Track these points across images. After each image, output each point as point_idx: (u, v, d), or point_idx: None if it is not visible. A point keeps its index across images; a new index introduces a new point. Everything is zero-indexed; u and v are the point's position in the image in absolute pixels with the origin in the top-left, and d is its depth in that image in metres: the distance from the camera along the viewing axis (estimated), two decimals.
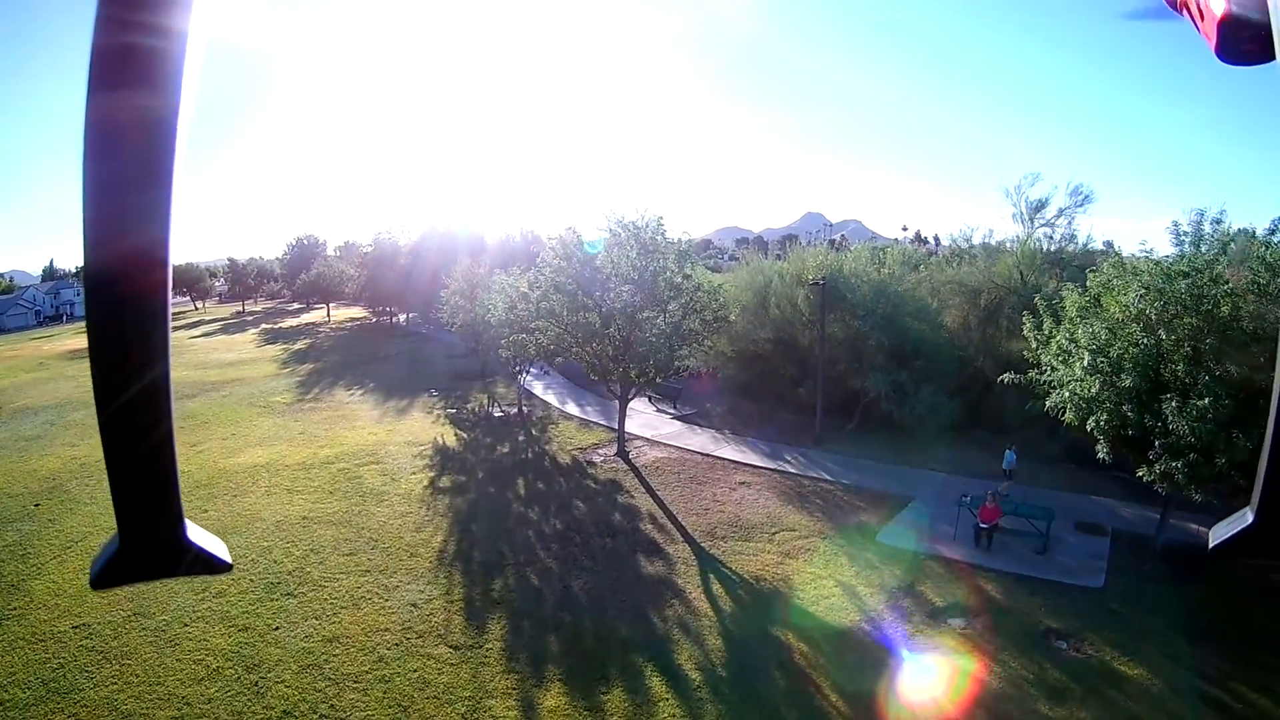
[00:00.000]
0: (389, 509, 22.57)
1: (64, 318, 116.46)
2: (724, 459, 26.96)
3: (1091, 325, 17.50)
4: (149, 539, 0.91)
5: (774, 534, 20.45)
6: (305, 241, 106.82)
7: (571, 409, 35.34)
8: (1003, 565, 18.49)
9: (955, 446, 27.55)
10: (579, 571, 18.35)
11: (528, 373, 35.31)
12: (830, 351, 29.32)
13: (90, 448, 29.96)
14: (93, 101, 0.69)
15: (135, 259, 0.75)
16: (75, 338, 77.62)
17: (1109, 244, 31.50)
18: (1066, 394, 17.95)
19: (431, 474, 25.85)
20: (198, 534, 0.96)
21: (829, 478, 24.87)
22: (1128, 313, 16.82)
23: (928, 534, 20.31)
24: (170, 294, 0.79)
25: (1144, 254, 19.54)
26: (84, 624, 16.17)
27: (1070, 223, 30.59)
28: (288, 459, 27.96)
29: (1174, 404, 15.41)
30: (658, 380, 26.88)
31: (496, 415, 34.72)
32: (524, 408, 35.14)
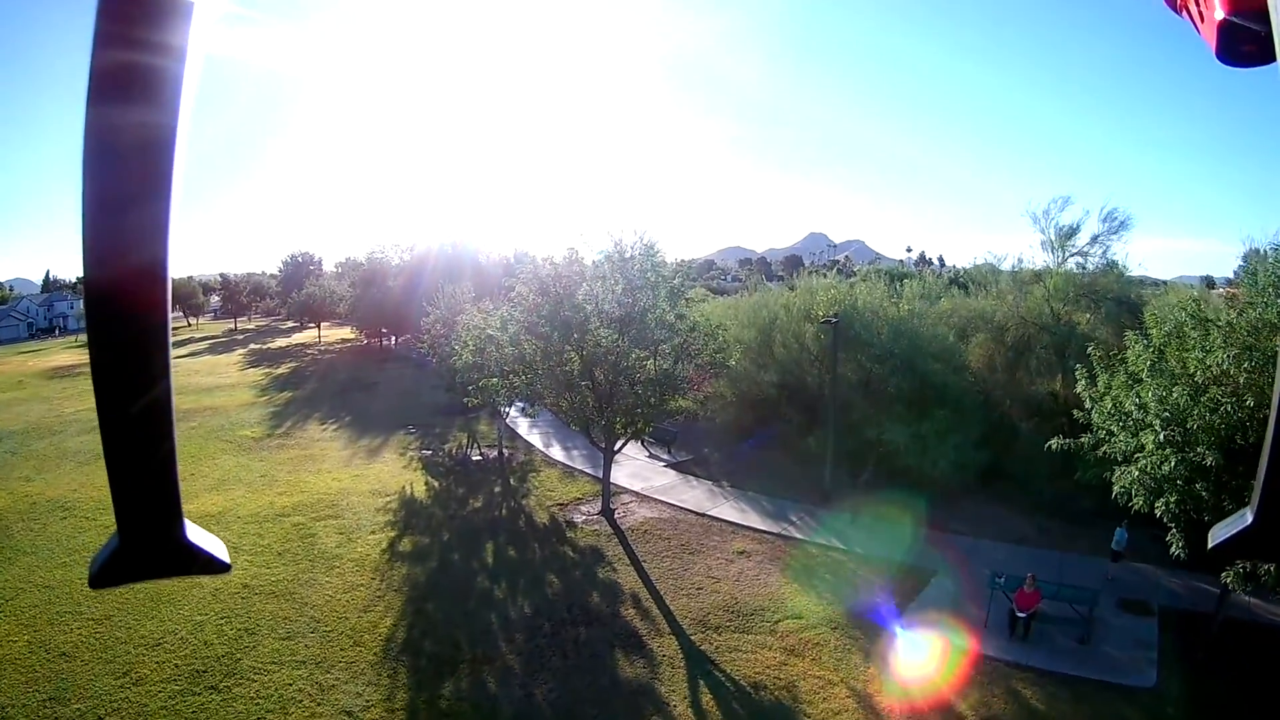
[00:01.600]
0: (339, 579, 19.82)
1: (57, 330, 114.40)
2: (721, 520, 23.99)
3: (1164, 388, 14.54)
4: (148, 538, 0.88)
5: (777, 622, 17.54)
6: (300, 258, 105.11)
7: (556, 453, 32.39)
8: (1043, 662, 15.78)
9: (980, 502, 24.72)
10: (545, 674, 15.44)
11: (508, 411, 32.60)
12: (842, 396, 26.43)
13: (45, 484, 28.04)
14: (91, 117, 0.69)
15: (136, 251, 0.74)
16: (63, 353, 76.28)
17: (1152, 279, 28.54)
18: (1136, 472, 14.85)
19: (393, 534, 23.06)
20: (197, 534, 0.92)
21: (840, 545, 21.94)
22: (1209, 374, 13.87)
23: (955, 620, 17.48)
24: (170, 289, 0.77)
25: (1191, 281, 16.73)
26: None
27: (1105, 251, 27.71)
28: (242, 508, 25.30)
29: None
30: (646, 430, 24.03)
31: (475, 459, 31.87)
32: (505, 450, 32.24)
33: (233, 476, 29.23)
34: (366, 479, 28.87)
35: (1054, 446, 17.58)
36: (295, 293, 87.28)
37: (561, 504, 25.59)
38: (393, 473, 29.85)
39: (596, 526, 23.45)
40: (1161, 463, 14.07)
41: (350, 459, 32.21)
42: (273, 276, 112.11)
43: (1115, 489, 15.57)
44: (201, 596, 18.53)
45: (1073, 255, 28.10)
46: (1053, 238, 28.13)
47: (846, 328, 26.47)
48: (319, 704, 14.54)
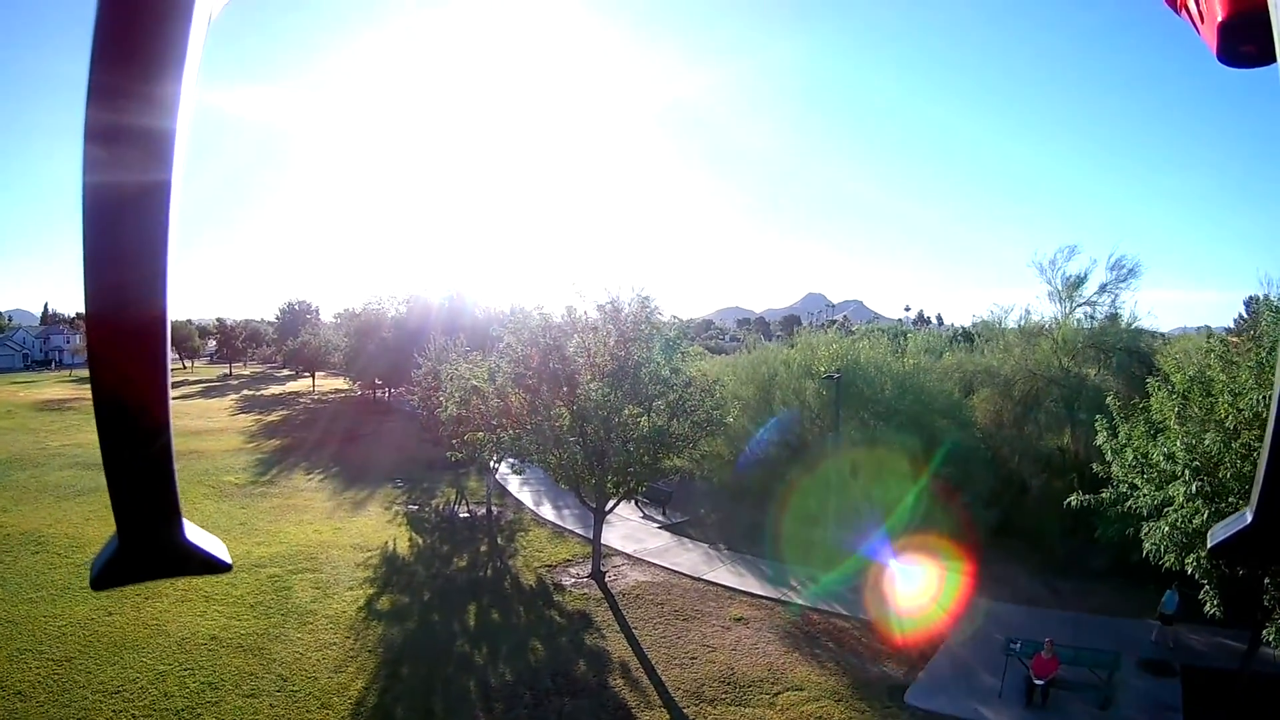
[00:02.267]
0: (310, 636, 18.72)
1: (53, 364, 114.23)
2: (718, 585, 22.76)
3: (1192, 435, 13.63)
4: (148, 539, 0.88)
5: (776, 695, 16.33)
6: (297, 306, 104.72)
7: (546, 512, 31.21)
8: None
9: (990, 561, 23.56)
10: None
11: (497, 467, 31.55)
12: (845, 456, 25.42)
13: (21, 516, 27.53)
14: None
15: (135, 249, 0.75)
16: (56, 386, 76.52)
17: (1149, 329, 27.58)
18: (1165, 528, 13.84)
19: (371, 591, 21.92)
20: (196, 534, 0.92)
21: (843, 610, 20.75)
22: (1241, 418, 12.95)
23: (968, 690, 16.41)
24: (169, 291, 0.77)
25: (1191, 331, 16.26)
26: None
27: (1114, 300, 26.88)
28: None
29: None
30: (639, 490, 23.00)
31: (462, 516, 30.67)
32: (493, 508, 31.00)
33: (210, 523, 26.84)
34: (348, 532, 27.73)
35: (1072, 503, 16.84)
36: (290, 340, 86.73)
37: (550, 565, 24.40)
38: (376, 527, 28.70)
39: (586, 590, 22.24)
40: (1193, 515, 13.15)
41: (334, 511, 31.11)
42: (270, 324, 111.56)
43: (1146, 546, 14.60)
44: (166, 645, 17.70)
45: (1080, 305, 27.25)
46: (1060, 288, 27.30)
47: (849, 384, 25.62)
48: None
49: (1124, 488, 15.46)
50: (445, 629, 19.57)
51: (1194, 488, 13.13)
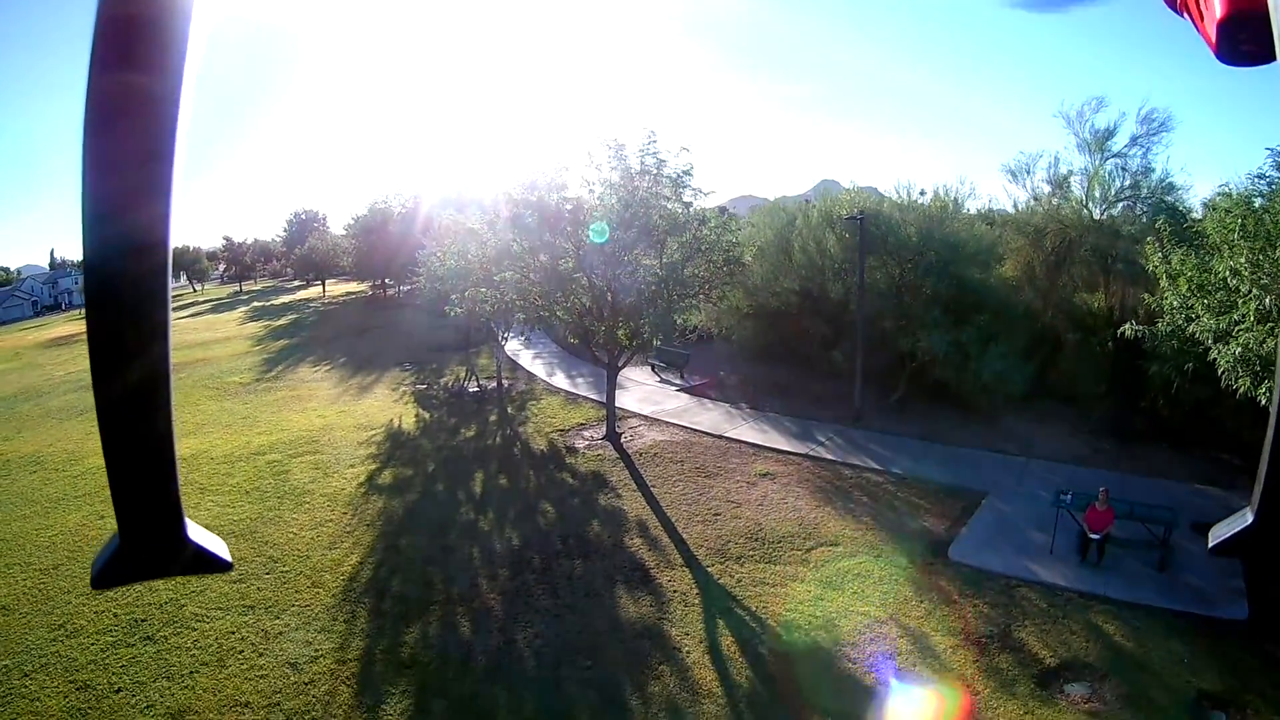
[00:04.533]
0: (306, 515, 17.48)
1: (61, 306, 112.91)
2: (740, 441, 21.19)
3: (1258, 251, 12.35)
4: (149, 537, 0.86)
5: (808, 551, 14.85)
6: (305, 216, 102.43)
7: (560, 381, 29.70)
8: (1121, 592, 13.13)
9: (1026, 420, 21.98)
10: (530, 615, 12.89)
11: (505, 338, 29.94)
12: (870, 306, 23.42)
13: (22, 442, 26.50)
14: (94, 77, 0.66)
15: (135, 246, 0.73)
16: (65, 325, 74.70)
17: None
18: (1238, 349, 12.41)
19: (373, 467, 20.60)
20: (198, 532, 0.91)
21: (875, 465, 19.17)
22: None
23: (1016, 546, 14.84)
24: (170, 291, 0.76)
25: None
26: None
27: (1146, 153, 24.01)
28: (215, 449, 22.92)
29: None
30: (655, 343, 21.19)
31: (471, 390, 29.28)
32: (504, 381, 29.55)
33: (211, 420, 26.87)
34: (352, 415, 26.40)
35: (1126, 333, 16.10)
36: (298, 248, 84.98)
37: (562, 430, 22.93)
38: (381, 407, 27.35)
39: (600, 451, 20.78)
40: (1264, 338, 11.67)
41: (338, 397, 29.76)
42: (278, 237, 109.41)
43: (1221, 365, 13.42)
44: None
45: (1111, 158, 24.66)
46: (1088, 138, 24.71)
47: (872, 231, 23.41)
48: (260, 654, 12.31)
49: (1179, 318, 14.61)
50: (449, 498, 18.25)
51: (1269, 301, 12.02)
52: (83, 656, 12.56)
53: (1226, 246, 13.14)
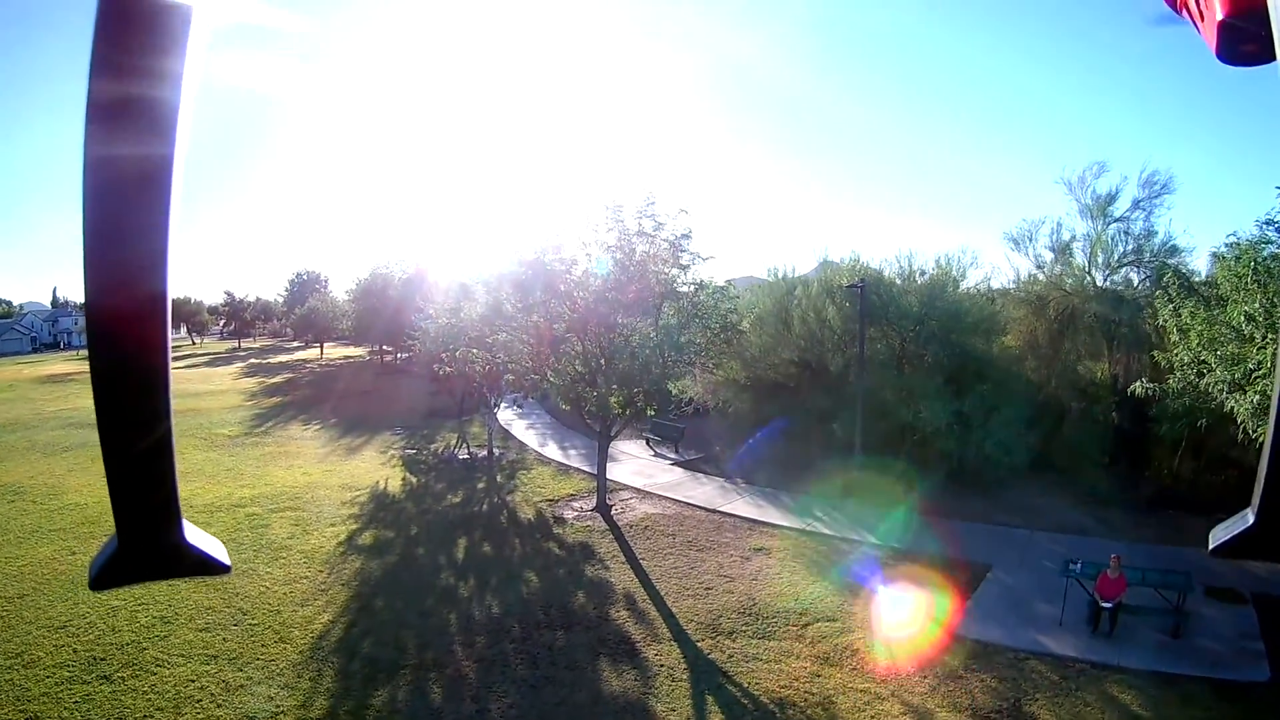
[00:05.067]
0: (281, 570, 16.84)
1: (60, 345, 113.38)
2: (735, 516, 20.50)
3: (1270, 295, 12.80)
4: (147, 540, 0.87)
5: (804, 626, 14.13)
6: (306, 277, 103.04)
7: (551, 452, 29.08)
8: (1135, 661, 12.59)
9: (1028, 494, 21.46)
10: (506, 685, 12.11)
11: (498, 405, 29.47)
12: (871, 377, 23.01)
13: (4, 471, 26.74)
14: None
15: (135, 262, 0.73)
16: (62, 364, 75.15)
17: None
18: (1256, 396, 12.69)
19: (354, 527, 19.96)
20: (196, 535, 0.91)
21: (875, 540, 18.51)
22: None
23: (1022, 619, 14.24)
24: (169, 293, 0.76)
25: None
26: None
27: (1148, 215, 23.91)
28: (196, 499, 22.42)
29: None
30: (649, 411, 20.70)
31: (461, 458, 28.68)
32: (494, 449, 28.92)
33: (196, 470, 26.32)
34: (339, 474, 25.80)
35: (1136, 391, 16.51)
36: (298, 308, 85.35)
37: (551, 500, 22.25)
38: (369, 469, 26.76)
39: (589, 523, 20.08)
40: None
41: (326, 456, 29.30)
42: (280, 296, 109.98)
43: (1239, 415, 13.69)
44: None
45: (1113, 223, 24.65)
46: (1090, 203, 24.70)
47: (872, 301, 23.18)
48: (219, 705, 11.69)
49: (1191, 374, 14.85)
50: (430, 562, 17.56)
51: None
52: (36, 689, 12.10)
53: (1240, 293, 13.30)
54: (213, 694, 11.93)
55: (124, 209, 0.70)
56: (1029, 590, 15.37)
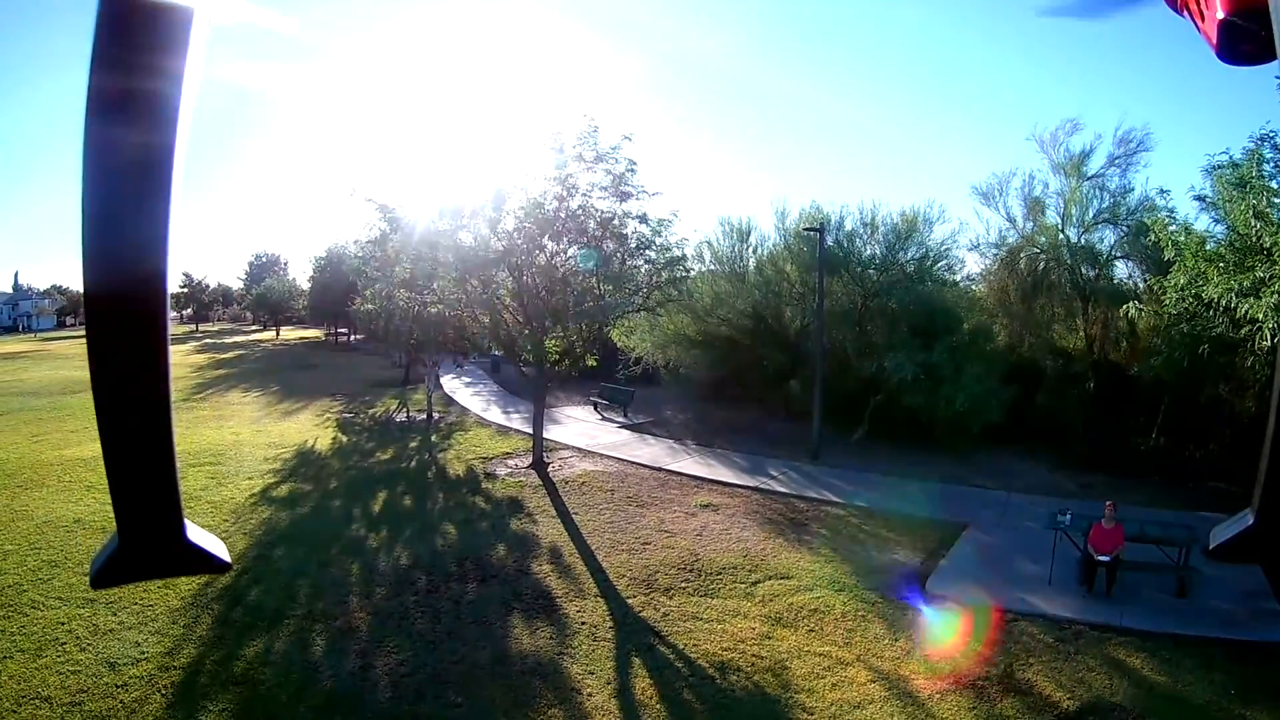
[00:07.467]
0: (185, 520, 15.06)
1: (19, 329, 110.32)
2: (682, 474, 18.99)
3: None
4: (148, 538, 0.86)
5: (755, 584, 12.59)
6: (265, 259, 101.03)
7: (494, 416, 27.57)
8: (1141, 621, 11.11)
9: (1002, 457, 20.22)
10: (400, 639, 10.51)
11: (437, 362, 28.10)
12: (832, 332, 21.57)
13: None
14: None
15: (134, 256, 0.73)
16: (16, 344, 73.19)
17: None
18: (1274, 299, 12.18)
19: (271, 480, 18.47)
20: (197, 533, 0.90)
21: (836, 498, 17.10)
22: None
23: (1006, 578, 12.71)
24: (169, 290, 0.77)
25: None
26: None
27: (1123, 173, 22.52)
28: None
29: None
30: (591, 361, 19.13)
31: (399, 420, 27.17)
32: (434, 413, 27.36)
33: None
34: (268, 435, 24.25)
35: (1130, 312, 16.56)
36: (255, 288, 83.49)
37: (485, 457, 20.68)
38: (301, 429, 25.24)
39: (522, 479, 18.49)
40: None
41: (260, 419, 27.92)
42: (240, 279, 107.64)
43: (1259, 317, 12.92)
44: (25, 528, 15.21)
45: (1087, 180, 23.40)
46: (1063, 161, 23.38)
47: (834, 249, 21.79)
48: (82, 649, 10.32)
49: (1189, 300, 14.41)
50: (342, 514, 16.01)
51: None
52: None
53: (1252, 192, 12.84)
54: (79, 637, 10.62)
55: (125, 209, 0.69)
56: (1010, 548, 13.99)
